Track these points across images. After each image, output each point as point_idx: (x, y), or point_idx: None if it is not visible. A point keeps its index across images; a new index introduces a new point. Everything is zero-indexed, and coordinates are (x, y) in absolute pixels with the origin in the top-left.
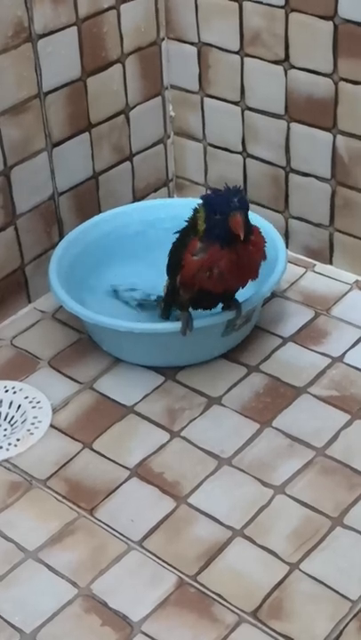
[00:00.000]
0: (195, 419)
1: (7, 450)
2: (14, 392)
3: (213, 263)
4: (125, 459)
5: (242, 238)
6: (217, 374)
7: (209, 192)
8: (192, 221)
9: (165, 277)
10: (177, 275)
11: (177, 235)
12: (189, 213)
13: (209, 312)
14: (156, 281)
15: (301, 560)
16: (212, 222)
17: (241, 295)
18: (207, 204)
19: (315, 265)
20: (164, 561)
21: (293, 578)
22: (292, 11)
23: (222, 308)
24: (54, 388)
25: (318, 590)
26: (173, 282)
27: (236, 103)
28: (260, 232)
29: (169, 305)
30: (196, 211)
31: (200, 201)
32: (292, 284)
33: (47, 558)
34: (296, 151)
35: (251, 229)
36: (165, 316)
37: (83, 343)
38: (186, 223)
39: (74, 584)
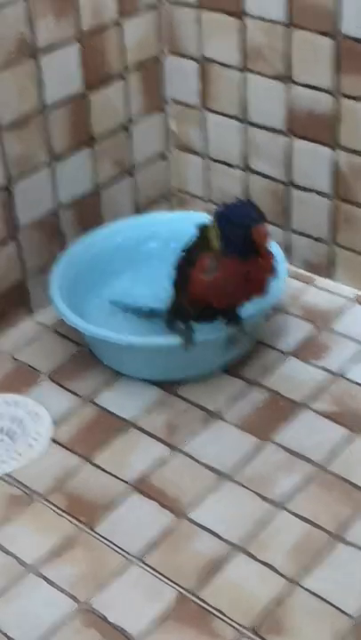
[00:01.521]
0: (195, 433)
1: (8, 463)
2: (15, 405)
3: (225, 279)
4: (126, 473)
5: (262, 251)
6: (218, 389)
7: (217, 208)
8: (201, 239)
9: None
10: (182, 291)
11: (182, 251)
12: (190, 227)
13: (210, 326)
14: (157, 294)
15: (301, 576)
16: (231, 237)
17: (242, 310)
18: (224, 219)
19: (315, 279)
20: (163, 576)
21: (293, 593)
22: (294, 27)
23: (225, 323)
24: (55, 402)
25: (318, 606)
26: (178, 298)
27: (237, 118)
28: (268, 249)
29: (172, 318)
30: (205, 229)
31: (206, 218)
32: (293, 298)
33: (47, 572)
34: (297, 166)
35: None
36: (171, 326)
37: (83, 356)
38: (193, 239)
39: (73, 598)
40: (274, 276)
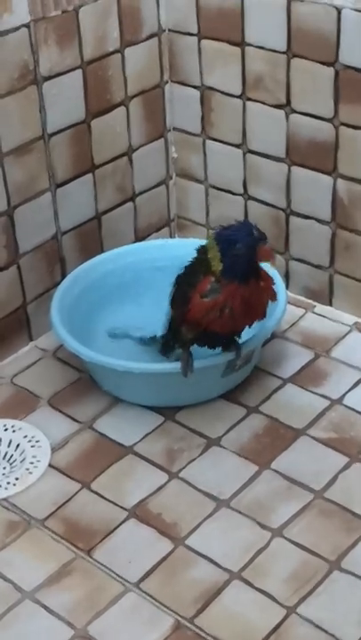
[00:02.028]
0: (193, 460)
1: (6, 489)
2: (14, 431)
3: (227, 303)
4: (123, 499)
5: (274, 263)
6: (216, 415)
7: (217, 229)
8: (199, 261)
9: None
10: (181, 314)
11: (180, 273)
12: (191, 253)
13: (209, 352)
14: (157, 320)
15: (299, 604)
16: (233, 258)
17: (242, 335)
18: (226, 240)
19: (315, 306)
20: (161, 603)
21: (290, 621)
22: (294, 56)
23: (222, 349)
24: (54, 428)
25: (315, 634)
26: (176, 321)
27: (237, 146)
28: (267, 273)
29: (169, 342)
30: (203, 251)
31: (203, 241)
32: (292, 324)
33: (44, 599)
34: (297, 194)
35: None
36: (165, 352)
37: (83, 382)
38: (192, 261)
39: (70, 625)
40: (274, 299)
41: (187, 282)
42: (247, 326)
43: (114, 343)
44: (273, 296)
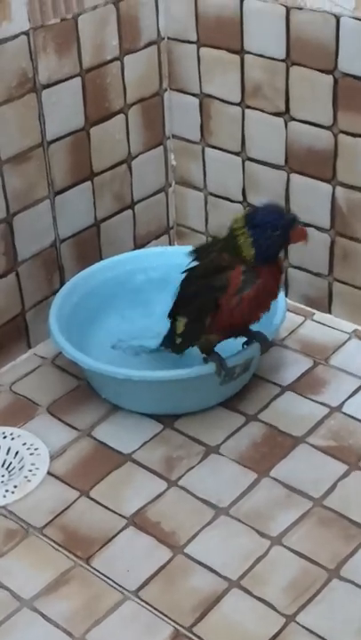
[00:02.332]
0: (192, 468)
1: (4, 497)
2: (12, 438)
3: (265, 289)
4: (122, 507)
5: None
6: (215, 423)
7: (249, 213)
8: (220, 255)
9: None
10: (205, 317)
11: (187, 280)
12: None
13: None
14: (156, 327)
15: (298, 612)
16: (268, 241)
17: (239, 345)
18: (259, 224)
19: (314, 314)
20: (159, 611)
21: (289, 630)
22: (293, 64)
23: (243, 345)
24: (52, 435)
25: None
26: (199, 324)
27: (236, 154)
28: None
29: (186, 343)
30: (233, 237)
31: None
32: (291, 332)
33: (42, 607)
34: (296, 201)
35: None
36: (180, 351)
37: (81, 390)
38: (193, 267)
39: (69, 634)
40: (282, 272)
41: (208, 283)
42: (264, 313)
43: (112, 351)
44: (282, 269)
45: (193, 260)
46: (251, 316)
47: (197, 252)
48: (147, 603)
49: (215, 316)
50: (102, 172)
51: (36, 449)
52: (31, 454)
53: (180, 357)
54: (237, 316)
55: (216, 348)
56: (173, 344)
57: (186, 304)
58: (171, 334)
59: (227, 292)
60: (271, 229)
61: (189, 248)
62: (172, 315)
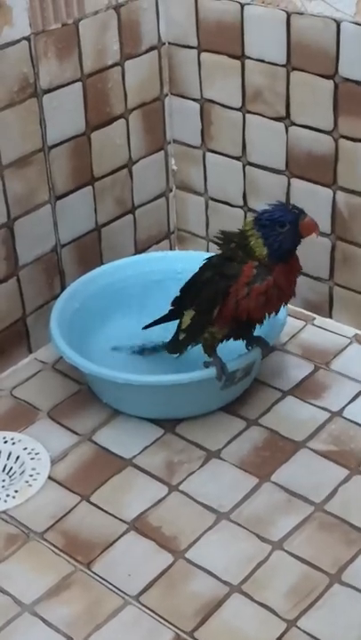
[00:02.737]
0: (193, 472)
1: (5, 501)
2: (13, 443)
3: (276, 283)
4: (123, 512)
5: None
6: (216, 427)
7: (256, 215)
8: (235, 250)
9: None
10: (213, 306)
11: (203, 270)
12: (191, 265)
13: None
14: (157, 331)
15: (299, 617)
16: (278, 238)
17: (240, 349)
18: (266, 223)
19: (314, 318)
20: (160, 616)
21: (290, 635)
22: (294, 69)
23: (246, 347)
24: (53, 440)
25: None
26: (206, 318)
27: (237, 158)
28: None
29: (190, 339)
30: (244, 238)
31: (205, 254)
32: (292, 337)
33: (43, 612)
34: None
35: None
36: (180, 351)
37: (82, 394)
38: (215, 260)
39: (70, 639)
40: (300, 271)
41: (217, 276)
42: (275, 312)
43: (113, 355)
44: (300, 267)
45: (218, 243)
46: (257, 312)
47: (223, 237)
48: (148, 608)
49: (223, 305)
50: (103, 176)
51: (36, 454)
52: (32, 459)
53: (179, 357)
54: (243, 308)
55: (218, 352)
56: (176, 342)
57: (196, 292)
58: (175, 334)
59: (238, 280)
60: (279, 226)
61: (190, 253)
62: (179, 305)
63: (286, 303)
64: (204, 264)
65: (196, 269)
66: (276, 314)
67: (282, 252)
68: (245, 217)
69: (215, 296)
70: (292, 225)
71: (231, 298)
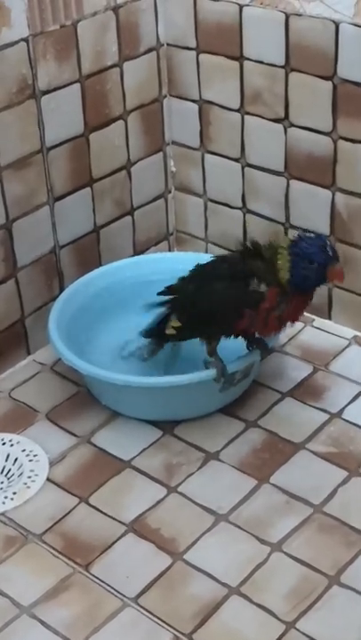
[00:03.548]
0: (192, 474)
1: (3, 503)
2: (11, 445)
3: (290, 314)
4: (122, 514)
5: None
6: (215, 429)
7: (295, 239)
8: (255, 269)
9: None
10: (229, 324)
11: (214, 282)
12: (189, 267)
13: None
14: None
15: (298, 619)
16: (305, 272)
17: (239, 350)
18: (301, 253)
19: (313, 320)
20: (159, 618)
21: (289, 637)
22: (293, 70)
23: (247, 347)
24: (52, 442)
25: None
26: (215, 328)
27: (236, 160)
28: None
29: (173, 338)
30: (275, 254)
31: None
32: (291, 338)
33: (42, 614)
34: (295, 208)
35: None
36: (158, 342)
37: (81, 396)
38: (234, 262)
39: None
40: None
41: (234, 291)
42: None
43: (111, 357)
44: (311, 299)
45: (247, 253)
46: (264, 332)
47: (254, 249)
48: (146, 609)
49: (235, 321)
50: (102, 178)
51: (35, 455)
52: (30, 461)
53: (156, 350)
54: (258, 328)
55: (218, 353)
56: (157, 331)
57: (206, 302)
58: (158, 323)
59: (259, 306)
60: (310, 261)
61: (189, 254)
62: (175, 301)
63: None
64: (217, 271)
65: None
66: (260, 337)
67: (302, 285)
68: (244, 219)
69: (228, 314)
70: (321, 267)
71: (246, 319)
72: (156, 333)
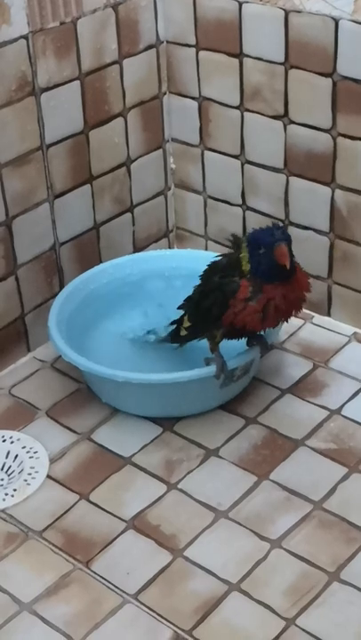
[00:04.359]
0: (192, 470)
1: (4, 500)
2: (12, 442)
3: (268, 302)
4: (122, 511)
5: (288, 267)
6: (215, 426)
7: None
8: (231, 261)
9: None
10: (216, 316)
11: (210, 271)
12: (190, 264)
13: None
14: (157, 328)
15: (298, 615)
16: (257, 258)
17: (239, 347)
18: (251, 241)
19: (313, 317)
20: (159, 615)
21: (289, 633)
22: (292, 67)
23: (248, 344)
24: (52, 439)
25: None
26: (210, 323)
27: (236, 157)
28: (302, 268)
29: (188, 338)
30: (237, 250)
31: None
32: (291, 335)
33: (42, 611)
34: (295, 204)
35: (294, 262)
36: (181, 343)
37: (81, 393)
38: (222, 264)
39: (68, 637)
40: (309, 290)
41: (219, 286)
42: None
43: (111, 354)
44: (307, 287)
45: (229, 246)
46: (254, 325)
47: (233, 241)
48: (146, 606)
49: (223, 314)
50: (101, 175)
51: (35, 452)
52: (30, 458)
53: (178, 348)
54: (240, 320)
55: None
56: (177, 336)
57: (200, 297)
58: (176, 328)
59: (236, 296)
60: (258, 247)
61: (189, 251)
62: (187, 303)
63: (287, 320)
64: (211, 267)
65: (195, 267)
66: (276, 327)
67: (262, 272)
68: (244, 216)
69: (215, 306)
70: (268, 249)
71: (230, 310)
72: (174, 336)
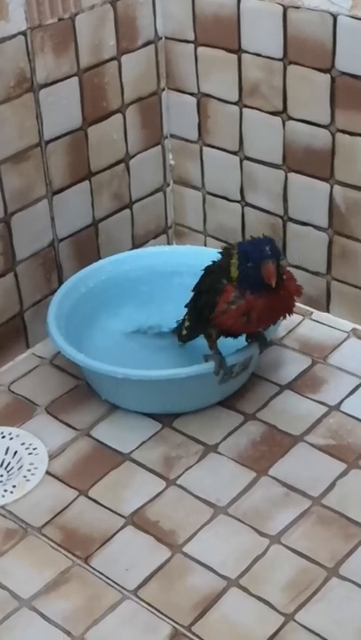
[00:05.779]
0: (191, 467)
1: (3, 496)
2: (11, 438)
3: (250, 309)
4: (121, 507)
5: (273, 286)
6: (214, 422)
7: (243, 241)
8: (222, 265)
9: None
10: (206, 316)
11: (208, 269)
12: (188, 260)
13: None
14: (157, 324)
15: (297, 611)
16: (246, 270)
17: (238, 343)
18: (240, 252)
19: (312, 313)
20: (158, 610)
21: (288, 629)
22: (291, 63)
23: (246, 340)
24: (51, 435)
25: None
26: (203, 322)
27: (234, 153)
28: (291, 274)
29: (190, 335)
30: (228, 256)
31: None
32: (290, 331)
33: (41, 607)
34: (294, 201)
35: (282, 276)
36: (184, 341)
37: (80, 389)
38: (216, 265)
39: (68, 633)
40: (300, 295)
41: (211, 286)
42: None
43: (110, 350)
44: (298, 292)
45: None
46: (236, 328)
47: (224, 251)
48: (146, 602)
49: (213, 314)
50: (100, 171)
51: (34, 449)
52: (30, 454)
53: (182, 346)
54: (223, 322)
55: (218, 346)
56: (180, 335)
57: (194, 297)
58: (179, 327)
59: (221, 297)
60: (247, 260)
61: (188, 247)
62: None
63: (265, 329)
64: (207, 268)
65: (194, 264)
66: (260, 331)
67: (248, 284)
68: (242, 212)
69: (206, 307)
70: (255, 265)
71: (217, 310)
72: (178, 335)
